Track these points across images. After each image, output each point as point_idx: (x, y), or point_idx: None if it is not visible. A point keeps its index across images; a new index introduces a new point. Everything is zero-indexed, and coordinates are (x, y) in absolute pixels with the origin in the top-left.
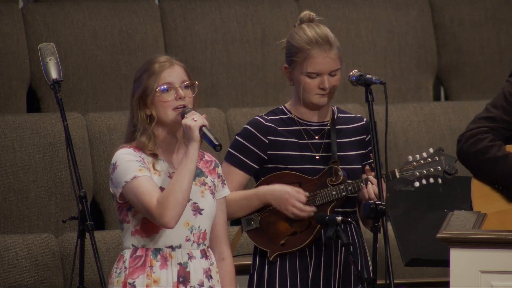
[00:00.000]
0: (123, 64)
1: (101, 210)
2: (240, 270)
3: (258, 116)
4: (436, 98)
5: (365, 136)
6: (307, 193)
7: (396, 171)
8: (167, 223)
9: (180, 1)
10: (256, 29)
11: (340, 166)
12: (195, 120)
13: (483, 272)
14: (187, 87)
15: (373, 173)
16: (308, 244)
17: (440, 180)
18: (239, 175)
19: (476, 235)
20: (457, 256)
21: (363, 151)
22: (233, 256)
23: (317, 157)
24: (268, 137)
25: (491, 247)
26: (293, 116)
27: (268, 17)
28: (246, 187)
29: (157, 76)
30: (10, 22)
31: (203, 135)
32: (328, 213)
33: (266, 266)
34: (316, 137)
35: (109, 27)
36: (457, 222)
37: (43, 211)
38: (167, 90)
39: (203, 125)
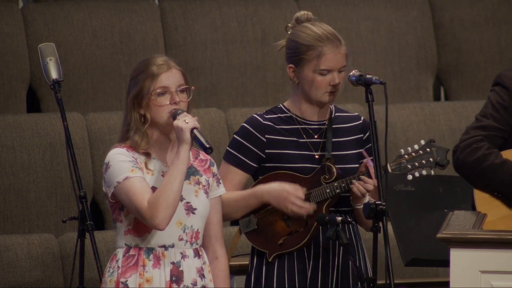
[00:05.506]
0: (123, 64)
1: (101, 210)
2: (239, 271)
3: (256, 114)
4: (436, 98)
5: (362, 135)
6: (305, 189)
7: (388, 165)
8: (158, 224)
9: (180, 1)
10: (256, 29)
11: (337, 165)
12: (186, 122)
13: (483, 272)
14: (182, 91)
15: (371, 158)
16: (305, 243)
17: (432, 172)
18: (238, 174)
19: (476, 235)
20: (457, 256)
21: (361, 150)
22: (232, 257)
23: (316, 156)
24: (266, 136)
25: (491, 247)
26: (292, 114)
27: (268, 17)
28: (245, 186)
29: (153, 79)
30: (10, 22)
31: (194, 138)
32: (324, 211)
33: (264, 267)
34: (315, 136)
35: (109, 27)
36: (457, 222)
37: (43, 211)
38: (162, 94)
39: (195, 127)
